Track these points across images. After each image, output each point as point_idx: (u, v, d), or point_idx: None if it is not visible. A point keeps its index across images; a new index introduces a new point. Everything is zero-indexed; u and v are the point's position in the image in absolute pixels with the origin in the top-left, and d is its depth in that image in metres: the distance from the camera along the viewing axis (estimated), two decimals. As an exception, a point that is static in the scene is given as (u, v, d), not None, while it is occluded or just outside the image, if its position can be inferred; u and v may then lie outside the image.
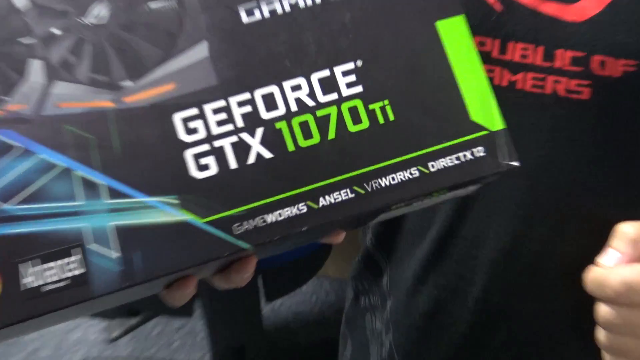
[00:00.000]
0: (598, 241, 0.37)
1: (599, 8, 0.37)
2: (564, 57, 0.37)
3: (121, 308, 1.58)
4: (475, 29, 0.33)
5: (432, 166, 0.30)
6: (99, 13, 0.29)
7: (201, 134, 0.28)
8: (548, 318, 0.44)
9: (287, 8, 0.30)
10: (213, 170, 0.28)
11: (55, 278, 0.26)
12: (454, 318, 0.45)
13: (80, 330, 1.68)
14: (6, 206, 0.26)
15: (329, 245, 1.07)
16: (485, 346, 0.45)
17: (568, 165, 0.40)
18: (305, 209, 0.28)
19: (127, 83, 0.28)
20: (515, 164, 0.31)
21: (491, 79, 0.38)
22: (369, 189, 0.29)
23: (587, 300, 0.37)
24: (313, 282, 1.63)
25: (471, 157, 0.30)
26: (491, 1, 0.38)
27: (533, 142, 0.39)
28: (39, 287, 0.26)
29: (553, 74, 0.38)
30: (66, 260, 0.26)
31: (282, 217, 0.28)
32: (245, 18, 0.30)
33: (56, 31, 0.28)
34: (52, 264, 0.26)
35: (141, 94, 0.28)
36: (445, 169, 0.30)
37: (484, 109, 0.31)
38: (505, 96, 0.33)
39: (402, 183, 0.29)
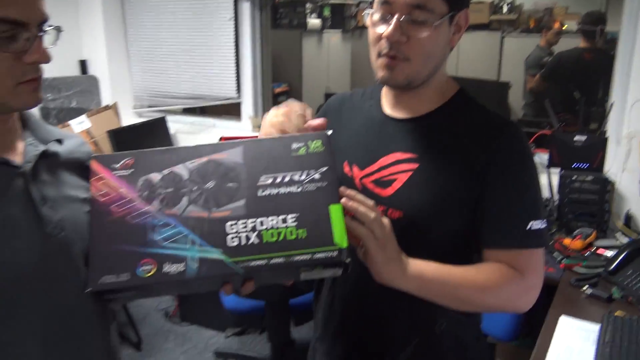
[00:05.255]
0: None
1: (393, 190, 1.02)
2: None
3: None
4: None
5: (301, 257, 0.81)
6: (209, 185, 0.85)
7: (236, 229, 0.83)
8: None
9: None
10: (236, 242, 0.82)
11: (174, 269, 0.80)
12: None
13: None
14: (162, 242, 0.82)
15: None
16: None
17: None
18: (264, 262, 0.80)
19: (214, 209, 0.85)
20: (349, 260, 0.81)
21: None
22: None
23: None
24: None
25: (331, 255, 0.81)
26: (357, 183, 1.07)
27: None
28: (167, 272, 0.80)
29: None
30: (180, 264, 0.81)
31: (260, 264, 0.81)
32: (260, 193, 0.85)
33: (195, 188, 0.85)
34: (175, 265, 0.81)
35: (217, 213, 0.84)
36: (310, 260, 0.81)
37: (340, 237, 0.82)
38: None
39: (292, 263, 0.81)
